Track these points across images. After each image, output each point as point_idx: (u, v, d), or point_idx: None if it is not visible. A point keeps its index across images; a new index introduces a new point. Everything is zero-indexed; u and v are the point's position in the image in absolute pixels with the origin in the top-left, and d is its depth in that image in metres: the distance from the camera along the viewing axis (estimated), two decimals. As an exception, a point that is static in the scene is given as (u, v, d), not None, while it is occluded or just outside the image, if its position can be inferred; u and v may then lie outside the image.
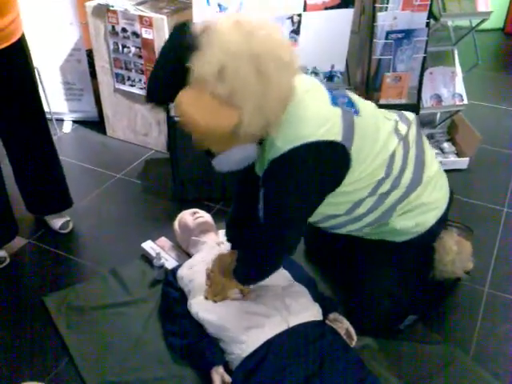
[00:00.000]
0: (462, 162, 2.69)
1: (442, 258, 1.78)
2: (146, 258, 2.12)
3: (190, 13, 2.25)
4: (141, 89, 2.72)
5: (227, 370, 1.59)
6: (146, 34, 2.52)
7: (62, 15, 2.80)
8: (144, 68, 2.64)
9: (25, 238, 2.26)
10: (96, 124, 3.12)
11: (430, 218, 1.61)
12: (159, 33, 2.47)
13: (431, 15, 2.31)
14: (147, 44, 2.54)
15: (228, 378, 1.56)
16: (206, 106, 1.21)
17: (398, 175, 1.52)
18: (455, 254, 1.79)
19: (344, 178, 1.43)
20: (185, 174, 2.42)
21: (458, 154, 2.74)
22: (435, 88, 2.62)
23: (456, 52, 2.65)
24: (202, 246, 2.01)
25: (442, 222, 1.68)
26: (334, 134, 1.35)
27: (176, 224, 2.16)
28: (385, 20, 2.26)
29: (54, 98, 3.03)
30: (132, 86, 2.75)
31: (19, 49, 1.86)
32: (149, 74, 1.34)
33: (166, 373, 1.66)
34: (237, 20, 1.23)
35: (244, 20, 1.23)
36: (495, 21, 4.35)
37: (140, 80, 2.70)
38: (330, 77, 2.51)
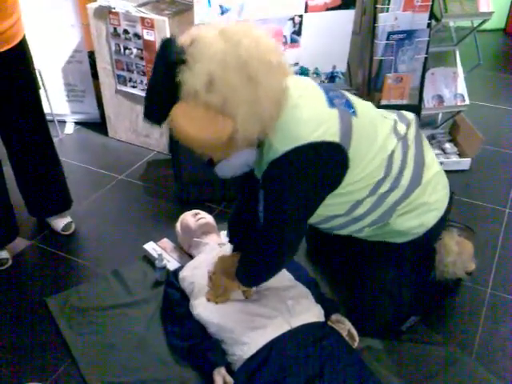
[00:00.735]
0: (464, 163, 2.69)
1: (443, 259, 1.78)
2: (148, 260, 2.12)
3: (191, 14, 2.25)
4: (142, 90, 2.72)
5: (229, 371, 1.59)
6: (148, 35, 2.52)
7: (64, 17, 2.81)
8: (146, 69, 2.64)
9: (27, 240, 2.26)
10: (98, 125, 3.12)
11: (430, 219, 1.61)
12: (161, 34, 2.47)
13: (432, 16, 2.31)
14: (149, 45, 2.54)
15: (230, 380, 1.56)
16: (200, 117, 1.21)
17: (397, 175, 1.52)
18: (456, 254, 1.79)
19: (343, 178, 1.43)
20: (187, 175, 2.43)
21: (460, 155, 2.73)
22: (437, 88, 2.62)
23: (457, 52, 2.65)
24: (204, 247, 2.01)
25: (443, 223, 1.68)
26: (332, 134, 1.35)
27: (178, 225, 2.16)
28: (386, 21, 2.27)
29: (56, 100, 3.04)
30: (134, 87, 2.75)
31: (20, 52, 1.86)
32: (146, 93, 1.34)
33: (168, 374, 1.66)
34: (221, 29, 1.23)
35: (229, 28, 1.24)
36: (497, 21, 4.35)
37: (142, 81, 2.70)
38: (331, 78, 2.51)
